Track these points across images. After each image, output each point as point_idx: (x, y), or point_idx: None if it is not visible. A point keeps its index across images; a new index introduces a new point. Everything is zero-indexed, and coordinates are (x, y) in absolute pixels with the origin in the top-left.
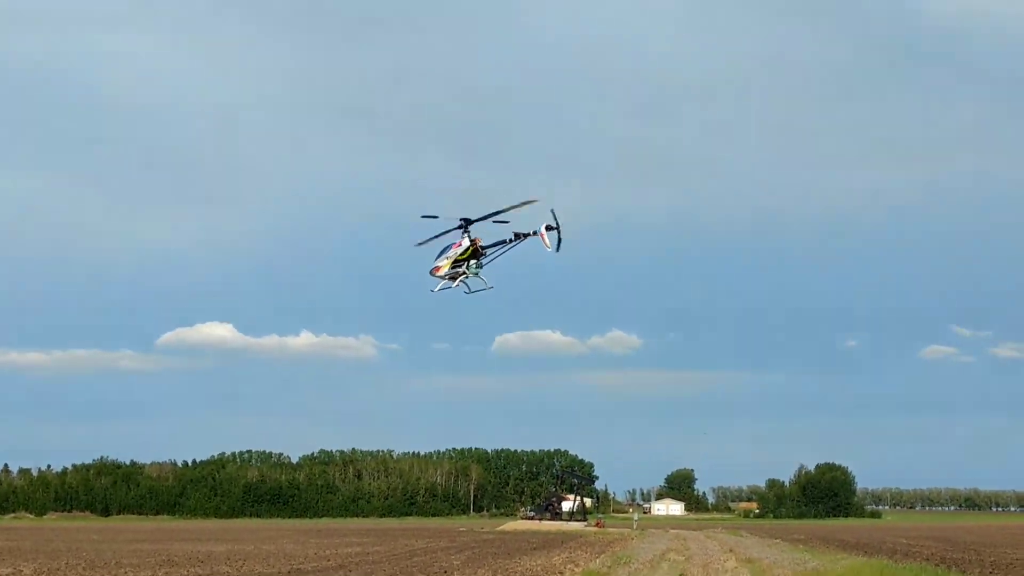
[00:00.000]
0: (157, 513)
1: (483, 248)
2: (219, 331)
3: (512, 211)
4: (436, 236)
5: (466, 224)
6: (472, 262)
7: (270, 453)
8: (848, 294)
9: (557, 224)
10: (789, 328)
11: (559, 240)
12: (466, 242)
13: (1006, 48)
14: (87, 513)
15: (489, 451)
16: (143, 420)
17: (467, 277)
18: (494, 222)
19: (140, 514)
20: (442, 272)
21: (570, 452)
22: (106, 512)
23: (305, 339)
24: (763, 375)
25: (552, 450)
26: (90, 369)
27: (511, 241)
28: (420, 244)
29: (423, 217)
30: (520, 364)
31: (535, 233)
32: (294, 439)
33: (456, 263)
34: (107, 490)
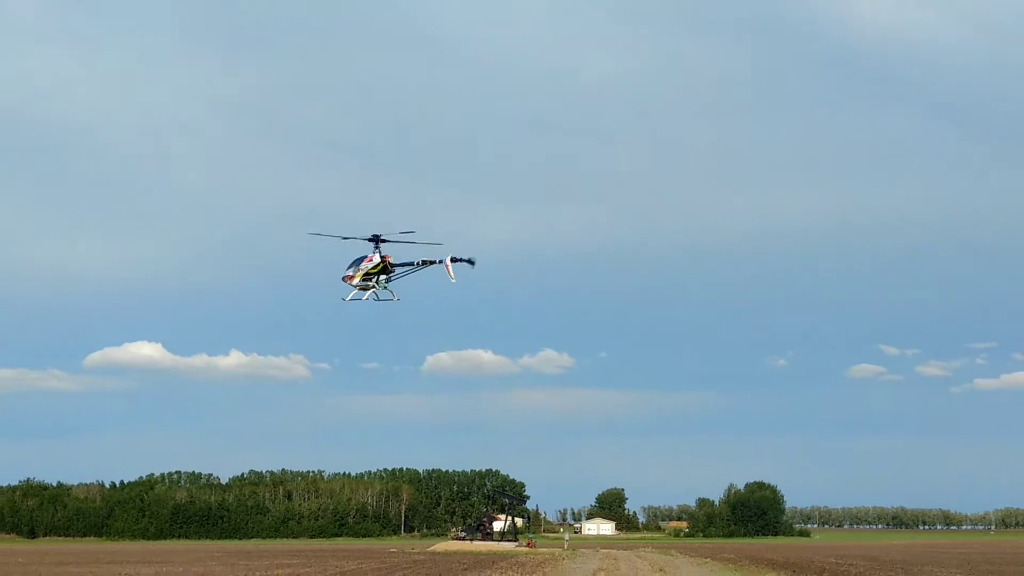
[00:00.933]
0: (85, 535)
1: (392, 265)
2: (147, 350)
3: (420, 244)
4: (355, 263)
5: (376, 240)
6: (382, 277)
7: (199, 474)
8: (776, 313)
9: (469, 260)
10: (718, 347)
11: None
12: (377, 258)
13: (931, 68)
14: (13, 535)
15: (420, 471)
16: (70, 440)
17: (376, 290)
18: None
19: (67, 536)
20: (354, 282)
21: (501, 472)
22: (32, 534)
23: (235, 358)
24: (693, 394)
25: (483, 470)
26: (17, 389)
27: (418, 264)
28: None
29: (344, 239)
30: (451, 383)
31: (440, 262)
32: (224, 460)
33: (367, 276)
34: (33, 512)
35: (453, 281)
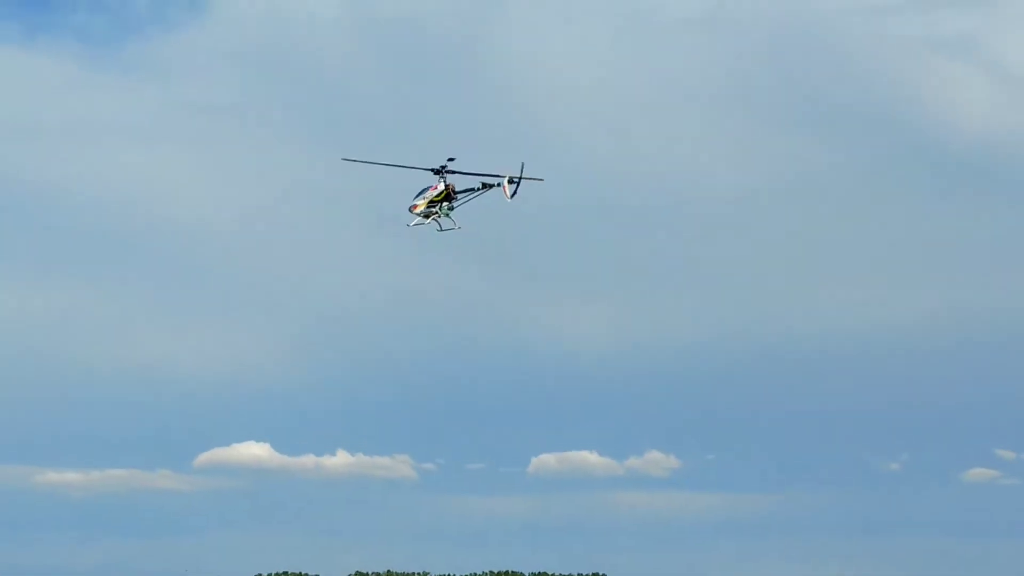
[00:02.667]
0: None
1: (455, 193)
2: (255, 450)
3: (485, 177)
4: (421, 193)
5: (442, 170)
6: (445, 204)
7: (306, 574)
8: (889, 414)
9: (520, 178)
10: (828, 449)
11: (516, 190)
12: (441, 186)
13: None
14: None
15: (526, 573)
16: (181, 540)
17: (440, 217)
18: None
19: None
20: (419, 210)
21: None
22: None
23: (341, 458)
24: (802, 495)
25: (590, 574)
26: (128, 489)
27: (479, 189)
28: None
29: (408, 167)
30: (557, 485)
31: (498, 184)
32: (330, 560)
33: (431, 203)
34: None
35: (509, 201)
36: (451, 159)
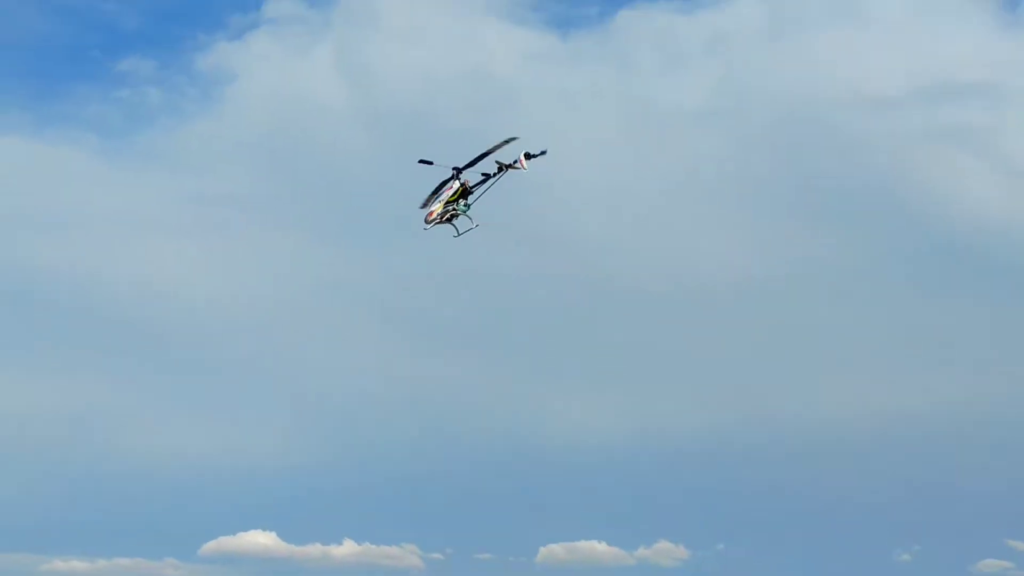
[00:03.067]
0: None
1: (471, 188)
2: (262, 539)
3: (497, 150)
4: (435, 193)
5: (457, 172)
6: (461, 201)
7: None
8: (900, 507)
9: (539, 153)
10: (839, 540)
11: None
12: (456, 184)
13: None
14: None
15: None
16: None
17: (457, 216)
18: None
19: None
20: (436, 214)
21: None
22: None
23: (348, 548)
24: None
25: None
26: None
27: (495, 174)
28: (424, 206)
29: (420, 162)
30: (566, 575)
31: (516, 162)
32: None
33: (448, 203)
34: None
35: (525, 170)
36: (430, 163)
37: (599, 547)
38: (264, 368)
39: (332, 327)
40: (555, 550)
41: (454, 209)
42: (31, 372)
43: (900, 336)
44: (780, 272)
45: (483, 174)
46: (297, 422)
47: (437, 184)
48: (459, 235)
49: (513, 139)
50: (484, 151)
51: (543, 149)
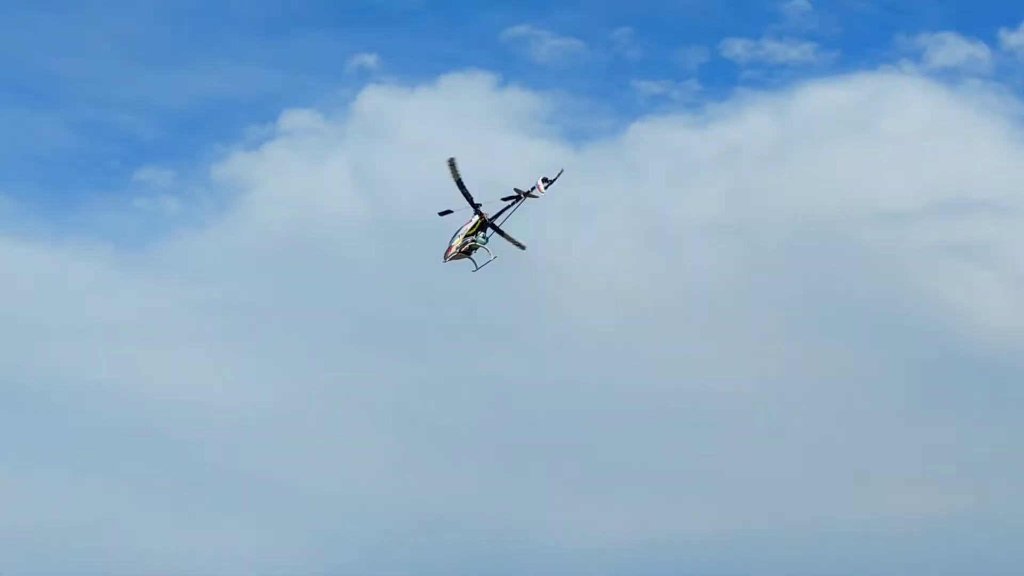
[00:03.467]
0: None
1: (490, 219)
2: None
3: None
4: (461, 250)
5: (477, 208)
6: (480, 233)
7: None
8: None
9: (556, 177)
10: None
11: (549, 185)
12: (476, 218)
13: None
14: None
15: None
16: None
17: (476, 249)
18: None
19: None
20: (455, 250)
21: None
22: None
23: None
24: None
25: None
26: None
27: (513, 201)
28: (448, 260)
29: (440, 214)
30: None
31: (533, 188)
32: None
33: (467, 237)
34: None
35: (544, 193)
36: (450, 212)
37: None
38: (275, 477)
39: (341, 436)
40: None
41: (473, 241)
42: (43, 479)
43: (912, 449)
44: (791, 383)
45: (502, 199)
46: (305, 531)
47: (458, 228)
48: (477, 269)
49: (533, 188)
50: (511, 199)
51: (560, 170)
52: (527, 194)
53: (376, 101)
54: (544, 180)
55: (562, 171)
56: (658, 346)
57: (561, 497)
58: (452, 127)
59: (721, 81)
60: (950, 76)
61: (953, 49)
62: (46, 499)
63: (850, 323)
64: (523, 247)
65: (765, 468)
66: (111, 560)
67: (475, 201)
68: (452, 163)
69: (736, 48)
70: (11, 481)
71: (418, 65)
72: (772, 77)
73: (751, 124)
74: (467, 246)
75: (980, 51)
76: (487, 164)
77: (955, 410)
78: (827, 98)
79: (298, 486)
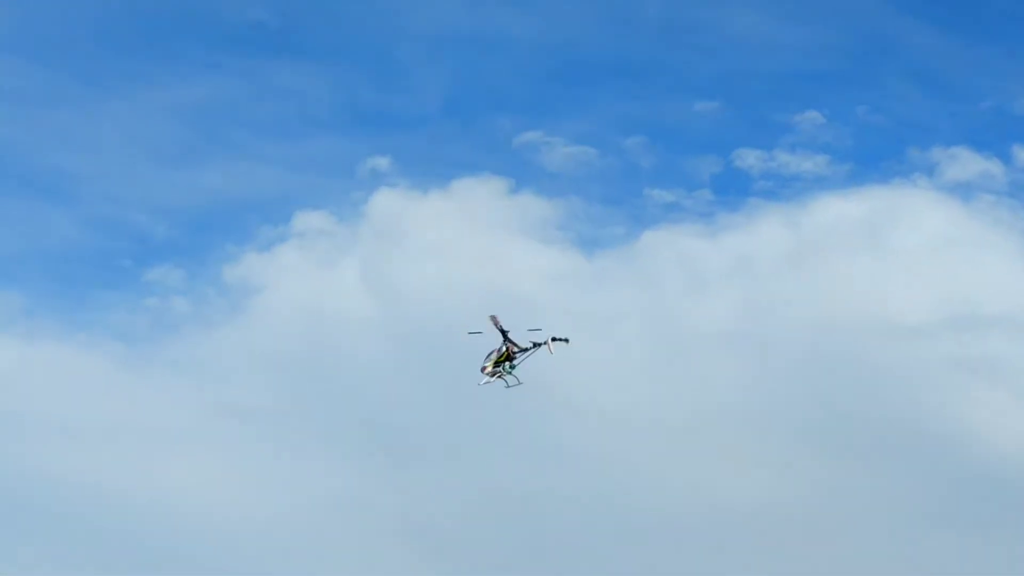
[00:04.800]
0: None
1: (514, 353)
2: None
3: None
4: (488, 355)
5: (504, 334)
6: (506, 363)
7: None
8: None
9: (565, 339)
10: None
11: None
12: (503, 347)
13: None
14: None
15: None
16: None
17: (504, 375)
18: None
19: None
20: (488, 370)
21: None
22: None
23: None
24: None
25: None
26: None
27: (531, 349)
28: (483, 383)
29: (470, 334)
30: None
31: (544, 343)
32: None
33: (496, 363)
34: None
35: (552, 355)
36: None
37: None
38: None
39: (348, 542)
40: None
41: (501, 371)
42: None
43: (924, 569)
44: (801, 500)
45: (523, 349)
46: None
47: (490, 351)
48: (508, 387)
49: (544, 343)
50: (525, 348)
51: (566, 337)
52: (537, 345)
53: (388, 204)
54: (554, 339)
55: (568, 340)
56: (668, 459)
57: None
58: (464, 231)
59: (734, 191)
60: (963, 191)
61: (966, 164)
62: None
63: (863, 439)
64: (520, 383)
65: None
66: None
67: (505, 330)
68: (494, 320)
69: (749, 159)
70: None
71: (431, 169)
72: (785, 188)
73: (764, 235)
74: (497, 374)
75: (994, 167)
76: (499, 269)
77: (968, 529)
78: (840, 210)
79: None
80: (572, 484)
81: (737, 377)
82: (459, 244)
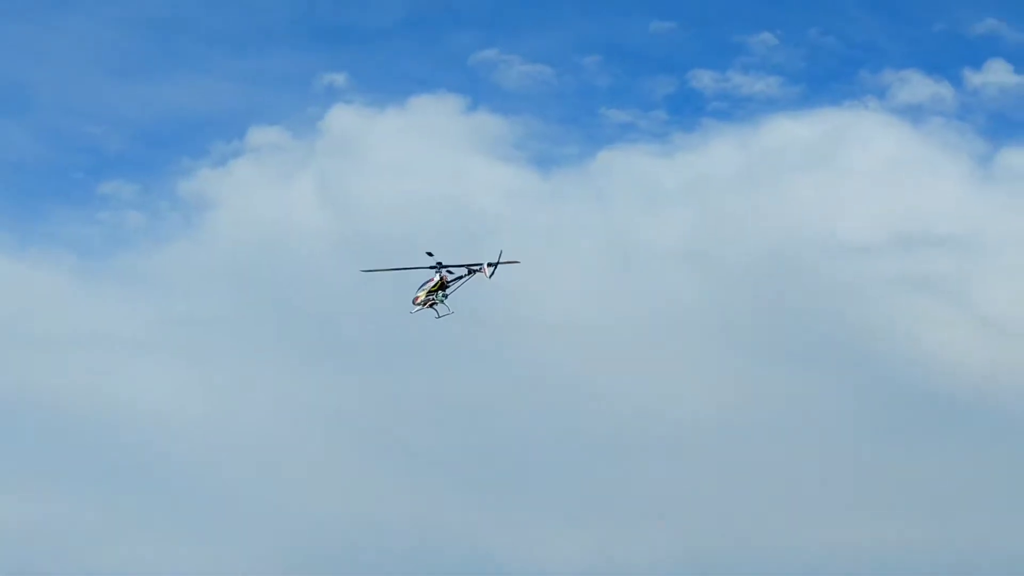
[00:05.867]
0: None
1: (448, 283)
2: None
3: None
4: (422, 285)
5: (439, 266)
6: (440, 292)
7: None
8: None
9: (499, 261)
10: None
11: (494, 272)
12: (437, 277)
13: None
14: None
15: None
16: None
17: (436, 304)
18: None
19: None
20: (420, 300)
21: None
22: None
23: None
24: None
25: None
26: None
27: (465, 276)
28: (414, 310)
29: (427, 253)
30: None
31: (479, 268)
32: None
33: (430, 293)
34: None
35: (488, 279)
36: (431, 255)
37: None
38: (244, 495)
39: (312, 454)
40: None
41: (434, 299)
42: (2, 486)
43: (871, 477)
44: (755, 412)
45: (456, 277)
46: (276, 551)
47: (424, 280)
48: (439, 317)
49: (480, 268)
50: (468, 264)
51: (511, 260)
52: (475, 271)
53: (345, 120)
54: (490, 264)
55: (501, 252)
56: (622, 373)
57: (525, 520)
58: (421, 148)
59: (688, 111)
60: (914, 113)
61: (917, 87)
62: (5, 506)
63: (812, 353)
64: (451, 312)
65: (726, 495)
66: (70, 570)
67: (436, 264)
68: (430, 255)
69: (704, 79)
70: None
71: (387, 86)
72: (738, 109)
73: (717, 155)
74: (430, 302)
75: (944, 90)
76: (455, 186)
77: (912, 440)
78: (792, 131)
79: (263, 500)
80: (528, 393)
81: (689, 292)
82: (416, 161)
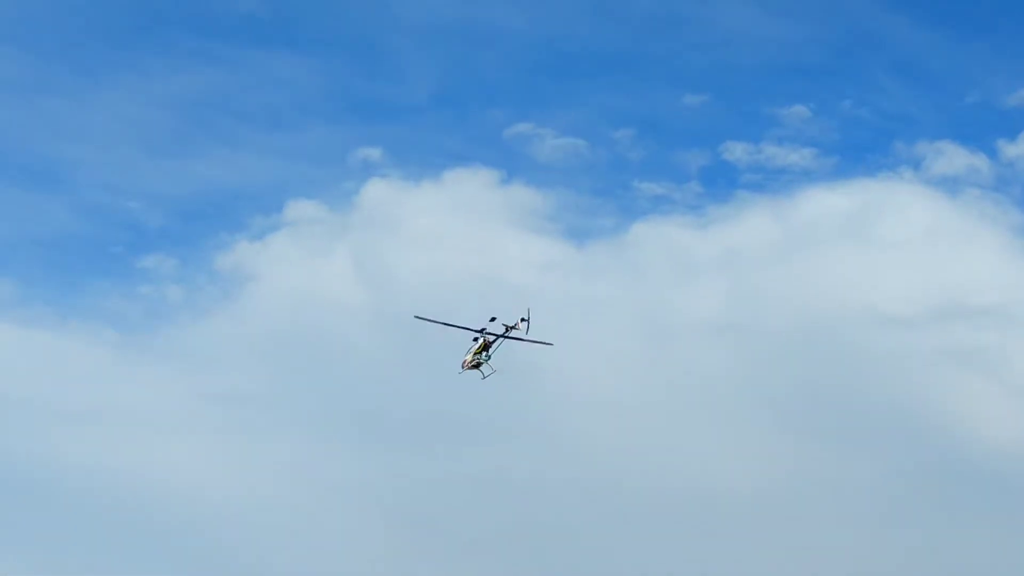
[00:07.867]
0: None
1: (490, 342)
2: None
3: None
4: (471, 365)
5: (482, 331)
6: (484, 353)
7: None
8: None
9: (528, 318)
10: None
11: (528, 325)
12: (481, 340)
13: None
14: None
15: None
16: None
17: (482, 364)
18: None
19: None
20: (468, 364)
21: None
22: None
23: None
24: None
25: None
26: None
27: (503, 335)
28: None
29: (491, 319)
30: None
31: (515, 326)
32: None
33: (476, 354)
34: None
35: (525, 333)
36: (495, 320)
37: None
38: (270, 567)
39: (339, 529)
40: None
41: (479, 359)
42: (39, 563)
43: (907, 553)
44: (793, 487)
45: (497, 338)
46: None
47: (470, 345)
48: (484, 378)
49: (515, 326)
50: (502, 330)
51: (546, 342)
52: (509, 328)
53: (380, 193)
54: (523, 319)
55: (529, 310)
56: (657, 446)
57: None
58: (456, 222)
59: (722, 184)
60: (949, 185)
61: (952, 158)
62: None
63: (848, 426)
64: (495, 371)
65: (765, 571)
66: None
67: (480, 328)
68: (493, 321)
69: (737, 151)
70: (4, 564)
71: (422, 160)
72: (772, 181)
73: (751, 226)
74: (475, 362)
75: (979, 161)
76: (490, 258)
77: (954, 517)
78: (827, 203)
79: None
80: (562, 469)
81: (724, 365)
82: (450, 234)
